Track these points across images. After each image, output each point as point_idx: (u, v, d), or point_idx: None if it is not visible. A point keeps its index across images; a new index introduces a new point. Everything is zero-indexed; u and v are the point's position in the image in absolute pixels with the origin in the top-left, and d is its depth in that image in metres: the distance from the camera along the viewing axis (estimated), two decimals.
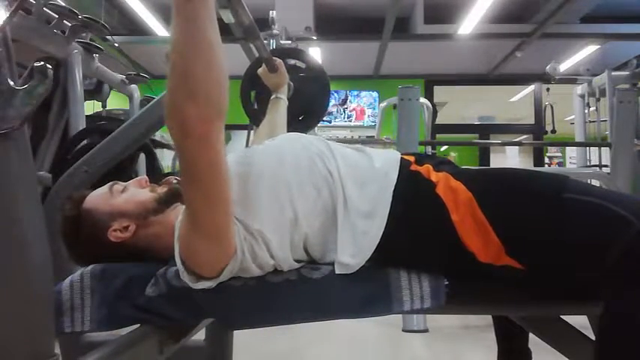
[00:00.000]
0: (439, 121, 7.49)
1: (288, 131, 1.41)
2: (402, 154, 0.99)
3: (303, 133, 1.11)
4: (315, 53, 6.03)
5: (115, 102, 3.90)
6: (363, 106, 8.01)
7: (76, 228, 0.99)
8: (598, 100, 4.98)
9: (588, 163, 5.18)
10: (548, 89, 6.37)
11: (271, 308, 0.89)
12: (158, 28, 5.81)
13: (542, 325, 1.05)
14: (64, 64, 2.50)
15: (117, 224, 0.97)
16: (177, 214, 0.90)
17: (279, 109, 1.49)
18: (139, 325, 0.91)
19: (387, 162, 0.95)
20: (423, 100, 4.29)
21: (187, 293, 0.87)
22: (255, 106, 1.71)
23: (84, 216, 0.99)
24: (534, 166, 8.17)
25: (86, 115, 2.61)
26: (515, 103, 8.94)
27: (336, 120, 8.00)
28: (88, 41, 2.71)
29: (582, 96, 5.12)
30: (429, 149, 4.92)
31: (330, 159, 0.95)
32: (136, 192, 1.01)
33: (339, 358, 2.35)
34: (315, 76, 1.69)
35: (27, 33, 2.22)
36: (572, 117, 5.51)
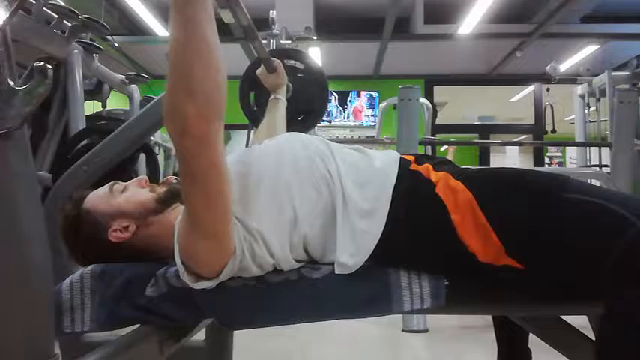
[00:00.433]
0: (439, 121, 7.50)
1: (288, 132, 1.41)
2: (401, 155, 0.99)
3: (302, 133, 1.11)
4: (315, 53, 6.02)
5: (115, 102, 3.90)
6: (364, 106, 8.01)
7: (76, 228, 0.99)
8: (598, 100, 4.98)
9: (588, 163, 5.18)
10: (548, 89, 6.38)
11: (271, 308, 0.89)
12: (158, 28, 5.81)
13: (542, 325, 1.05)
14: (64, 64, 2.50)
15: (117, 224, 0.97)
16: (177, 214, 0.90)
17: (278, 109, 1.49)
18: (139, 325, 0.91)
19: (386, 162, 0.95)
20: (423, 100, 4.29)
21: (187, 293, 0.87)
22: (254, 107, 1.71)
23: (84, 216, 0.99)
24: (534, 166, 8.17)
25: (86, 115, 2.61)
26: (515, 103, 8.95)
27: (336, 120, 8.00)
28: (88, 41, 2.71)
29: (582, 96, 5.12)
30: (429, 149, 4.92)
31: (329, 159, 0.95)
32: (136, 192, 1.01)
33: (339, 358, 2.35)
34: (314, 77, 1.69)
35: (27, 33, 2.22)
36: (572, 117, 5.51)
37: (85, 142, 2.15)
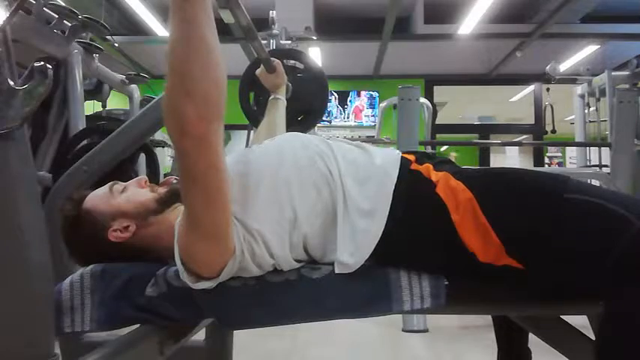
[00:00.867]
0: (439, 121, 7.49)
1: (288, 132, 1.41)
2: (402, 153, 0.99)
3: (302, 133, 1.11)
4: (315, 53, 6.02)
5: (115, 102, 3.90)
6: (364, 106, 8.01)
7: (76, 228, 0.99)
8: (598, 100, 4.98)
9: (588, 163, 5.18)
10: (548, 89, 6.36)
11: (271, 308, 0.89)
12: (158, 28, 5.81)
13: (542, 325, 1.05)
14: (64, 64, 2.50)
15: (117, 224, 0.97)
16: (178, 214, 0.90)
17: (277, 109, 1.49)
18: (139, 325, 0.91)
19: (387, 160, 0.95)
20: (423, 100, 4.29)
21: (187, 293, 0.87)
22: (254, 107, 1.71)
23: (84, 216, 0.99)
24: (534, 166, 8.17)
25: (86, 115, 2.61)
26: (515, 103, 8.94)
27: (336, 120, 8.00)
28: (88, 41, 2.71)
29: (582, 96, 5.12)
30: (429, 149, 4.92)
31: (330, 158, 0.94)
32: (136, 192, 1.01)
33: (339, 358, 2.35)
34: (314, 77, 1.69)
35: (27, 33, 2.22)
36: (572, 117, 5.51)
37: (85, 142, 2.16)
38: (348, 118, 8.03)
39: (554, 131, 5.62)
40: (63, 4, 2.47)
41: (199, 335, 1.27)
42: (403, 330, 2.69)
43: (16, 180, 0.64)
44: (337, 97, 7.91)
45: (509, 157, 9.87)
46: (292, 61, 1.68)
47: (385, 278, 0.88)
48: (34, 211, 0.66)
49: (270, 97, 1.52)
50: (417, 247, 0.88)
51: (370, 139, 5.57)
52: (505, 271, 0.83)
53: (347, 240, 0.88)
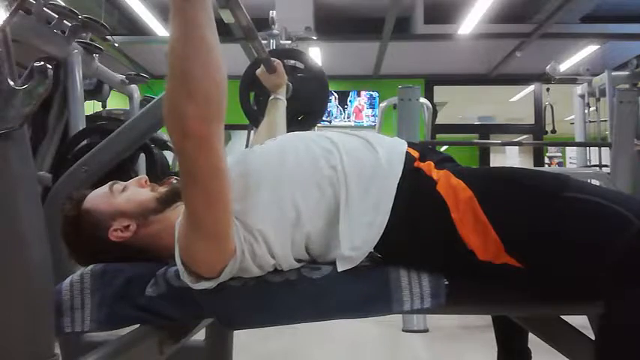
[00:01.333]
0: (439, 121, 7.49)
1: (288, 132, 1.41)
2: (408, 146, 0.98)
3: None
4: (315, 53, 6.02)
5: (115, 102, 3.90)
6: (364, 106, 8.01)
7: (77, 228, 0.99)
8: (598, 100, 4.98)
9: (588, 163, 5.18)
10: (548, 89, 6.37)
11: (271, 308, 0.89)
12: (158, 28, 5.80)
13: (542, 325, 1.05)
14: (64, 64, 2.50)
15: (117, 224, 0.97)
16: (178, 213, 0.90)
17: (278, 109, 1.49)
18: (139, 325, 0.91)
19: (392, 156, 0.94)
20: (423, 100, 4.28)
21: (187, 293, 0.87)
22: (254, 107, 1.71)
23: (84, 215, 0.99)
24: (534, 166, 8.16)
25: (86, 115, 2.61)
26: (515, 103, 8.94)
27: (336, 120, 7.99)
28: (88, 41, 2.71)
29: (582, 96, 5.12)
30: None
31: (334, 154, 0.94)
32: (137, 191, 1.01)
33: (339, 358, 2.35)
34: (314, 77, 1.69)
35: (27, 33, 2.22)
36: (572, 117, 5.52)
37: (85, 142, 2.16)
38: (348, 118, 8.03)
39: (554, 131, 5.62)
40: (63, 4, 2.47)
41: (199, 335, 1.27)
42: (403, 330, 2.69)
43: (16, 180, 0.64)
44: (337, 97, 7.91)
45: (509, 157, 9.87)
46: (292, 61, 1.68)
47: (385, 278, 0.88)
48: (34, 211, 0.66)
49: (271, 98, 1.52)
50: (417, 244, 0.88)
51: None
52: (504, 269, 0.83)
53: (349, 235, 0.88)
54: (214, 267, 0.83)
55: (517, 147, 9.99)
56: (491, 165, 8.16)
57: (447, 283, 0.87)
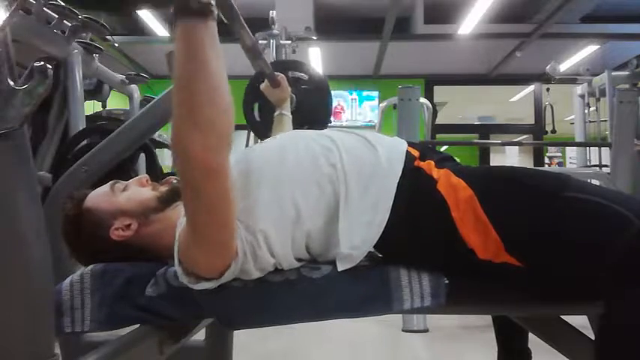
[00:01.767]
0: (439, 121, 7.48)
1: None
2: (408, 145, 0.98)
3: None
4: (315, 53, 6.02)
5: (115, 102, 3.90)
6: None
7: (78, 227, 0.99)
8: (598, 100, 4.99)
9: (588, 163, 5.18)
10: (548, 89, 6.37)
11: (271, 308, 0.89)
12: (158, 28, 5.81)
13: (542, 325, 1.05)
14: (64, 64, 2.50)
15: (119, 222, 0.97)
16: (179, 212, 0.90)
17: (284, 126, 1.52)
18: (139, 325, 0.91)
19: (392, 155, 0.94)
20: (423, 100, 4.28)
21: (187, 293, 0.86)
22: (258, 119, 1.74)
23: (85, 214, 0.99)
24: (534, 166, 8.16)
25: (86, 115, 2.61)
26: (515, 103, 8.94)
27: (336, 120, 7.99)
28: (88, 41, 2.71)
29: (582, 96, 5.12)
30: None
31: (334, 152, 0.93)
32: (138, 190, 1.01)
33: (339, 358, 2.35)
34: (317, 87, 1.71)
35: (27, 33, 2.22)
36: (572, 117, 5.52)
37: (85, 142, 2.15)
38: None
39: (554, 131, 5.62)
40: (63, 4, 2.47)
41: (199, 335, 1.27)
42: (403, 330, 2.69)
43: (16, 180, 0.64)
44: (342, 96, 7.88)
45: (509, 157, 9.86)
46: (297, 73, 1.70)
47: (385, 277, 0.88)
48: (34, 211, 0.66)
49: (276, 114, 1.53)
50: (417, 243, 0.88)
51: None
52: (504, 268, 0.83)
53: (349, 233, 0.88)
54: (215, 269, 0.83)
55: (517, 147, 9.98)
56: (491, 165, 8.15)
57: (447, 282, 0.87)
